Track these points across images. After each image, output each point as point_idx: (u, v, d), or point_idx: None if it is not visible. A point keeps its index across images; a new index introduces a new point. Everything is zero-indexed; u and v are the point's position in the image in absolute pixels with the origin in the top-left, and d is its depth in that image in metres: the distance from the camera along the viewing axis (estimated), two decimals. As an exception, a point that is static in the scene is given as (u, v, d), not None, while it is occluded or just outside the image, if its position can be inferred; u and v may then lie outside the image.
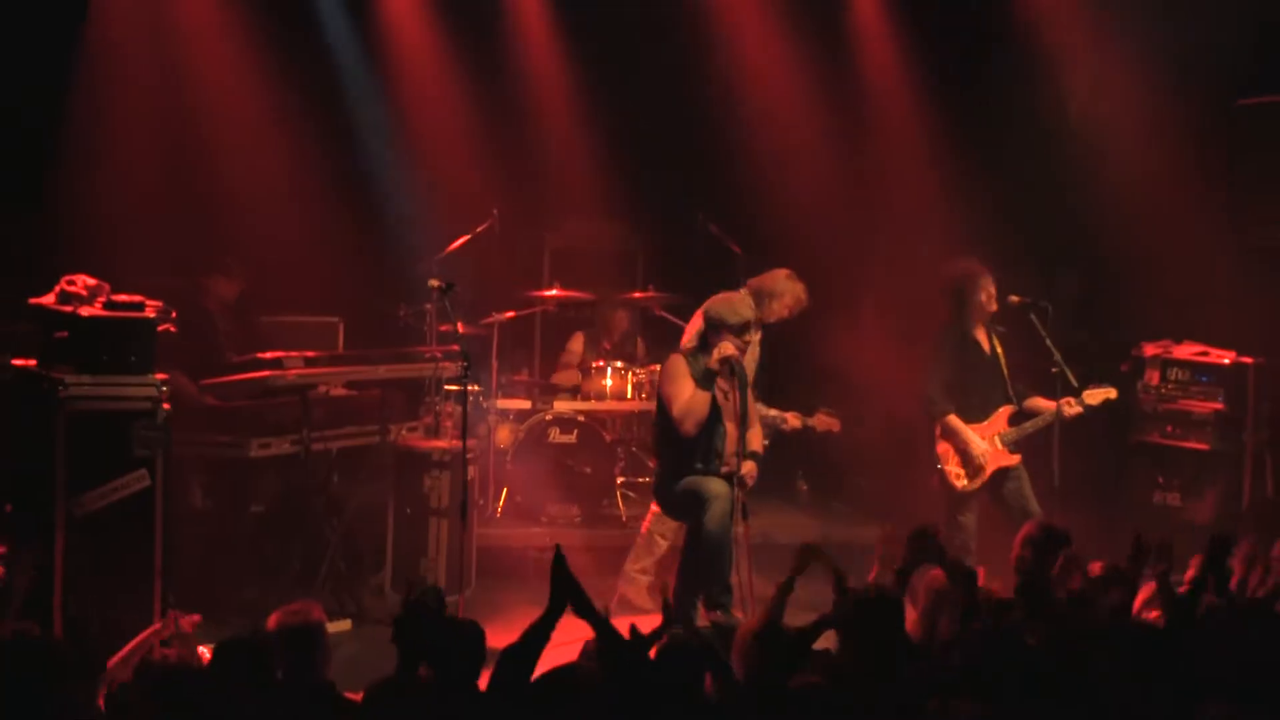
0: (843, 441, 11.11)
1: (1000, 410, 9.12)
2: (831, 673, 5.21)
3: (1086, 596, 6.21)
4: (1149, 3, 10.83)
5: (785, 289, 9.22)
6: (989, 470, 9.02)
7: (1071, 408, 8.97)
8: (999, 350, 9.24)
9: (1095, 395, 9.07)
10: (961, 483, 9.06)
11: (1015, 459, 9.06)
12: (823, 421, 9.37)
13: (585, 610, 5.20)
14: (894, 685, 5.09)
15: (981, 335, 9.24)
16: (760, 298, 9.14)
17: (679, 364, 8.29)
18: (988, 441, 9.05)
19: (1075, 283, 11.61)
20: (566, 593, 5.14)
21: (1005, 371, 9.21)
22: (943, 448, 9.15)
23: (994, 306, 9.17)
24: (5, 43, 7.24)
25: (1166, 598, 6.09)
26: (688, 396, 8.14)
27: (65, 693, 4.93)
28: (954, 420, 9.06)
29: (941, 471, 9.13)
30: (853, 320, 11.84)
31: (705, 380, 8.13)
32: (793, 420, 9.31)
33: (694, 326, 8.99)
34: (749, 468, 8.33)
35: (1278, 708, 4.92)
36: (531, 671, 4.96)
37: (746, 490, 8.22)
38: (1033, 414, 9.11)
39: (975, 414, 9.08)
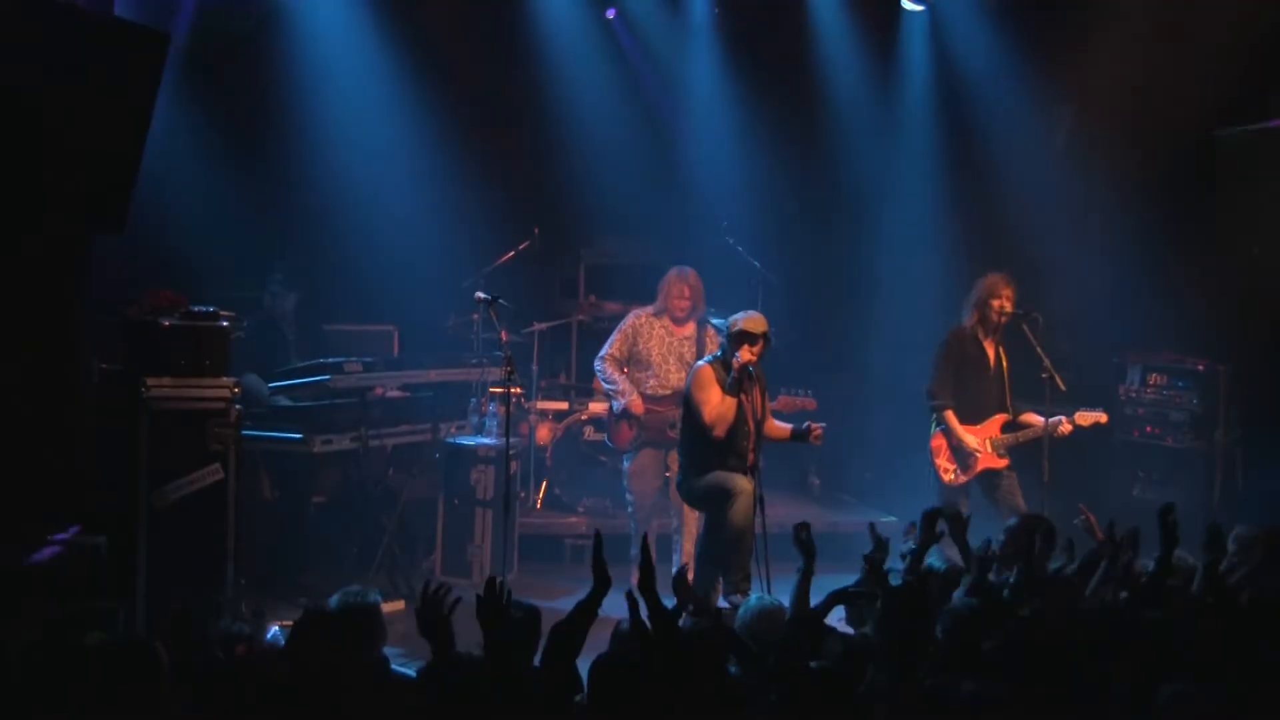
0: (852, 438, 11.17)
1: (995, 417, 9.08)
2: (850, 653, 5.16)
3: (1071, 580, 6.19)
4: (1131, 34, 10.76)
5: (666, 281, 9.46)
6: (977, 469, 9.00)
7: (1064, 427, 8.95)
8: (1004, 364, 9.17)
9: (1087, 418, 9.04)
10: (949, 476, 9.04)
11: (1004, 462, 9.03)
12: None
13: (646, 591, 5.18)
14: (915, 668, 5.03)
15: (989, 345, 9.15)
16: (659, 295, 9.46)
17: (707, 372, 8.23)
18: (980, 443, 9.02)
19: (1066, 294, 11.57)
20: (606, 576, 5.13)
21: (1007, 384, 9.16)
22: (936, 442, 9.12)
23: (1002, 319, 9.08)
24: (94, 77, 7.33)
25: (1133, 581, 6.05)
26: (716, 403, 8.09)
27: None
28: (951, 416, 9.03)
29: (933, 464, 9.12)
30: (862, 325, 11.85)
31: (732, 387, 8.09)
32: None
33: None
34: (819, 429, 8.40)
35: (1237, 688, 4.85)
36: (580, 647, 4.94)
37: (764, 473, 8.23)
38: (1024, 426, 9.06)
39: (970, 416, 9.05)
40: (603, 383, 9.58)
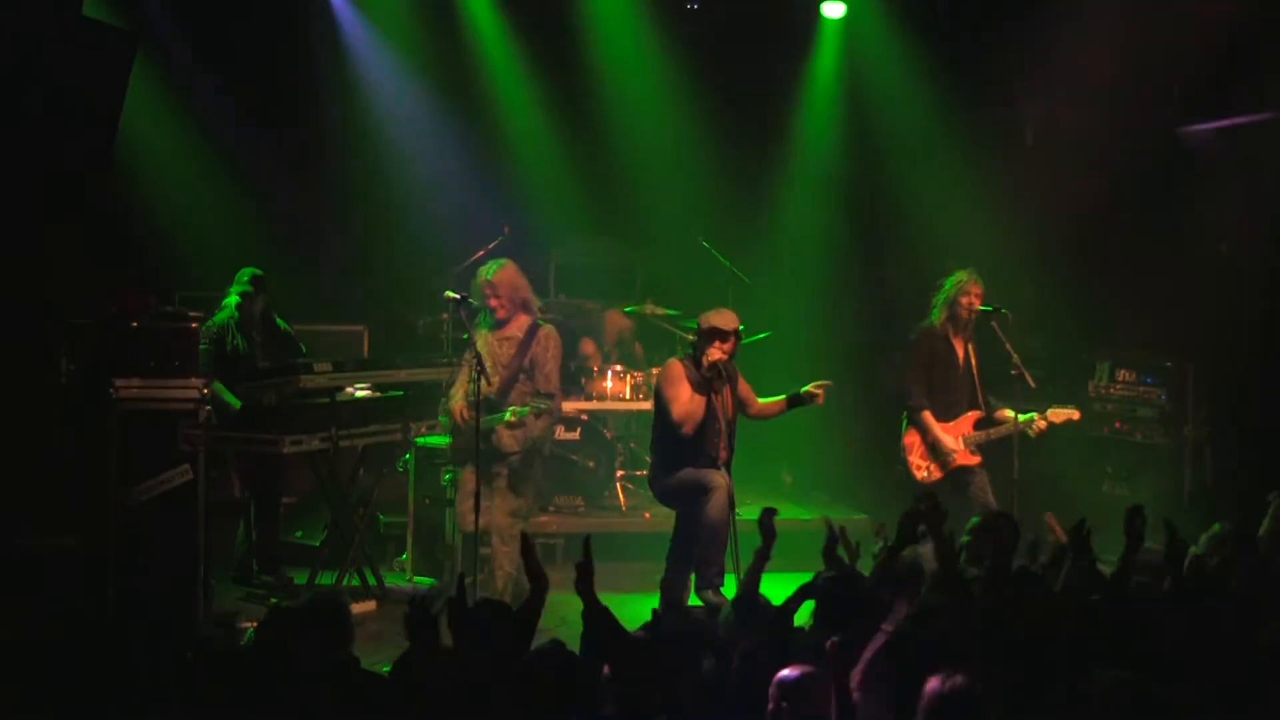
0: (823, 437, 11.21)
1: (967, 414, 9.08)
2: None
3: (1039, 576, 6.23)
4: (1099, 33, 10.82)
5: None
6: (950, 466, 8.99)
7: (1039, 424, 8.98)
8: (974, 360, 9.17)
9: (1059, 415, 9.05)
10: (922, 474, 9.03)
11: (976, 460, 9.03)
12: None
13: (583, 590, 5.26)
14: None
15: (959, 342, 9.14)
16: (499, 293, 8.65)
17: (676, 369, 8.20)
18: (955, 441, 9.05)
19: (1034, 292, 11.63)
20: (543, 575, 5.21)
21: (977, 380, 9.17)
22: (909, 440, 9.11)
23: (970, 314, 9.07)
24: (64, 80, 7.32)
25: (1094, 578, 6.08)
26: (685, 400, 8.04)
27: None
28: (928, 416, 9.01)
29: (905, 462, 9.13)
30: (834, 324, 11.88)
31: (701, 385, 8.07)
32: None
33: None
34: (820, 391, 8.31)
35: (1179, 678, 4.90)
36: (527, 646, 4.99)
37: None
38: (999, 423, 9.06)
39: (942, 414, 9.05)
40: None
